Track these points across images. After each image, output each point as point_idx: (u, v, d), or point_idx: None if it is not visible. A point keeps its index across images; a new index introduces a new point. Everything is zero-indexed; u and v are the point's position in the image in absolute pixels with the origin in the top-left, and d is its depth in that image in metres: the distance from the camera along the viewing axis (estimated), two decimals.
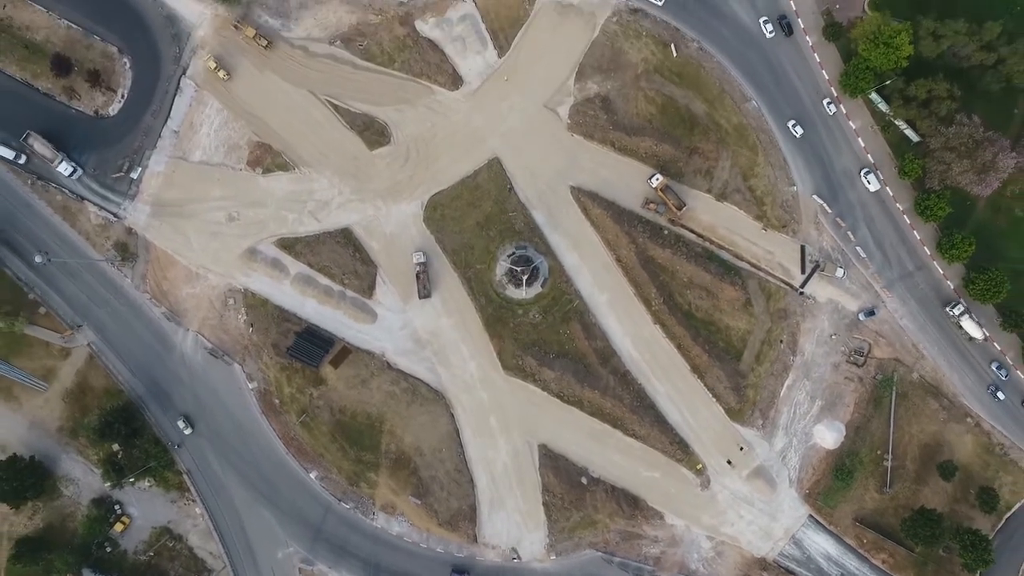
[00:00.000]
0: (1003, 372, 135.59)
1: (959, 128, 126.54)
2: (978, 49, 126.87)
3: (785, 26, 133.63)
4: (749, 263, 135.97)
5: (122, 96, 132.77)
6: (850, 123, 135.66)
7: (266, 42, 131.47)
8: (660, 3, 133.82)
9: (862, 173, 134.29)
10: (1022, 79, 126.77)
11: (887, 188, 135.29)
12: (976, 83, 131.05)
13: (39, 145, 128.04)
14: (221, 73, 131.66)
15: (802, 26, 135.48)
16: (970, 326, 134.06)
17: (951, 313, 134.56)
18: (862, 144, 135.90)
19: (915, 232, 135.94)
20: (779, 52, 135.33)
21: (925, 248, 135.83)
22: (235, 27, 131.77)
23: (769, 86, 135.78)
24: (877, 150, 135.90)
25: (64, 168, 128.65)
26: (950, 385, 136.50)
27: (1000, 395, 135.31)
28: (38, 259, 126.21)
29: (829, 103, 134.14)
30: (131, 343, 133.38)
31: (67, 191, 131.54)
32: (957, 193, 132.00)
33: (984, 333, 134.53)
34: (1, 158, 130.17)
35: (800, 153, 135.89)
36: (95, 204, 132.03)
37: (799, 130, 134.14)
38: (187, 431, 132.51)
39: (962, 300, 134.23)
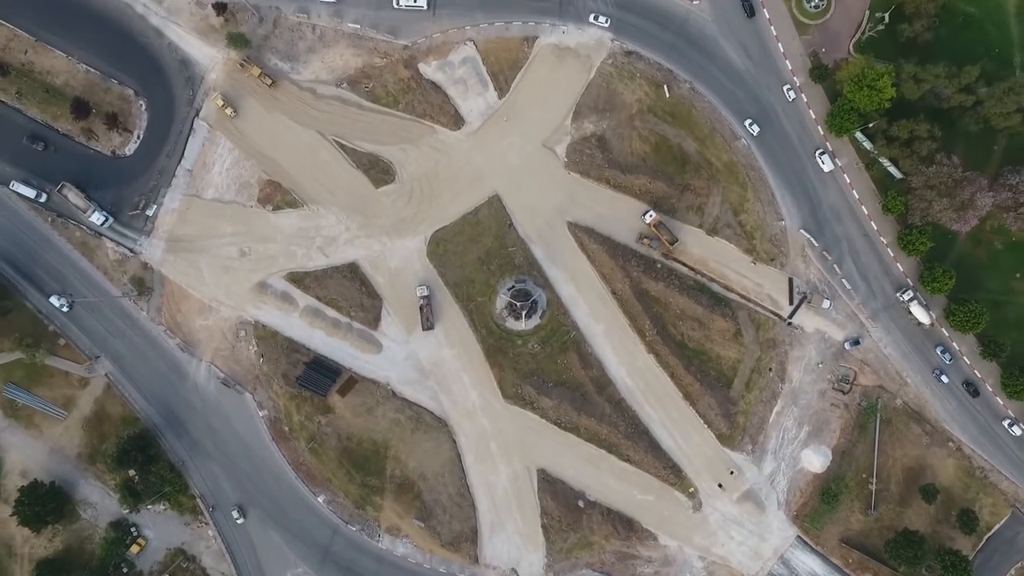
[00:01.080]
0: (947, 356, 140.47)
1: (939, 168, 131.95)
2: (957, 91, 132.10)
3: (748, 8, 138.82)
4: (739, 295, 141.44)
5: (138, 137, 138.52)
6: (836, 160, 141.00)
7: (271, 81, 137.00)
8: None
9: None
10: (999, 121, 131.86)
11: (872, 222, 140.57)
12: (956, 123, 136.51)
13: (73, 195, 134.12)
14: (228, 110, 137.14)
15: (790, 67, 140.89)
16: (918, 311, 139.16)
17: (901, 299, 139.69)
18: (847, 180, 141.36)
19: (898, 265, 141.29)
20: (768, 92, 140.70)
21: (908, 280, 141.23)
22: (241, 65, 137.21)
23: (758, 124, 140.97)
24: (862, 186, 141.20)
25: (97, 218, 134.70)
26: (932, 411, 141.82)
27: (944, 378, 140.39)
28: (62, 301, 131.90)
29: (821, 154, 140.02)
30: (147, 373, 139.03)
31: (85, 228, 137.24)
32: (939, 228, 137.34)
33: (931, 319, 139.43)
34: (23, 196, 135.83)
35: (788, 189, 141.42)
36: (113, 240, 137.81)
37: (755, 128, 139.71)
38: (239, 520, 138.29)
39: (911, 287, 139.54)
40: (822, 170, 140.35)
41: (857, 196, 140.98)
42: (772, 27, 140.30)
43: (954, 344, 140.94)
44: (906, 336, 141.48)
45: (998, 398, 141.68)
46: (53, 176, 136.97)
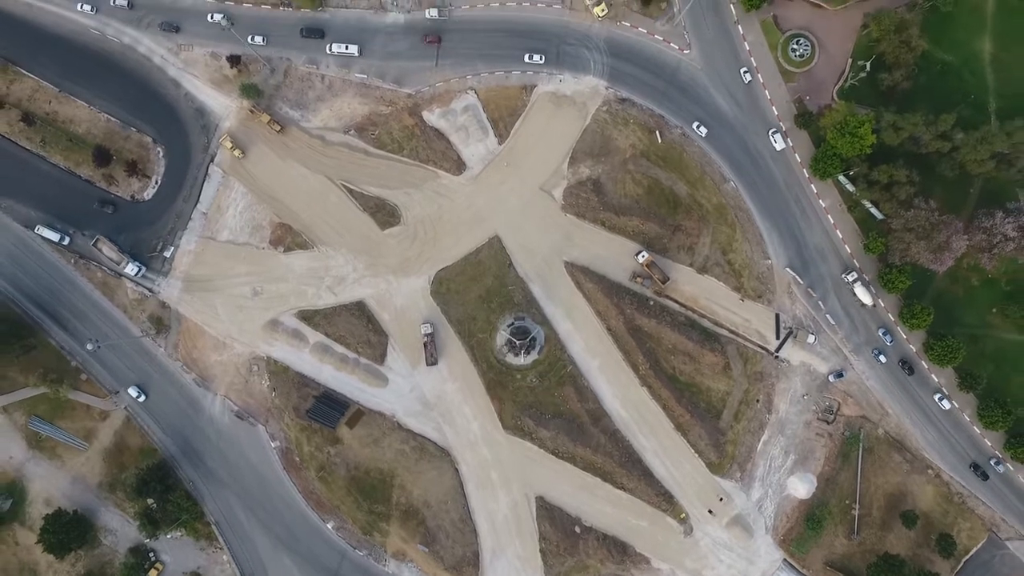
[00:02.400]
0: (888, 337, 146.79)
1: (917, 212, 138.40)
2: (934, 138, 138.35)
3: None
4: (728, 330, 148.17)
5: (156, 182, 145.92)
6: (820, 202, 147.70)
7: (279, 127, 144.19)
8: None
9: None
10: (974, 167, 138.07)
11: (855, 261, 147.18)
12: (935, 167, 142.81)
13: (107, 249, 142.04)
14: (236, 152, 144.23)
15: (776, 112, 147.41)
16: (862, 293, 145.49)
17: (846, 280, 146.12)
18: (831, 221, 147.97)
19: (899, 329, 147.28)
20: (755, 137, 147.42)
21: (889, 315, 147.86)
22: (251, 112, 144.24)
23: (746, 168, 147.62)
24: (845, 227, 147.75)
25: (131, 269, 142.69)
26: (913, 440, 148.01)
27: (882, 358, 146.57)
28: (89, 346, 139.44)
29: (854, 280, 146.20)
30: (164, 406, 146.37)
31: (106, 269, 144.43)
32: (917, 266, 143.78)
33: (874, 300, 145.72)
34: (47, 239, 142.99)
35: (775, 229, 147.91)
36: (132, 280, 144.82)
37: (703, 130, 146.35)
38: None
39: (856, 269, 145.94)
40: (807, 210, 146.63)
41: (840, 236, 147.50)
42: (759, 74, 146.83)
43: (898, 330, 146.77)
44: (887, 369, 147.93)
45: (970, 421, 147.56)
46: (75, 220, 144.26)
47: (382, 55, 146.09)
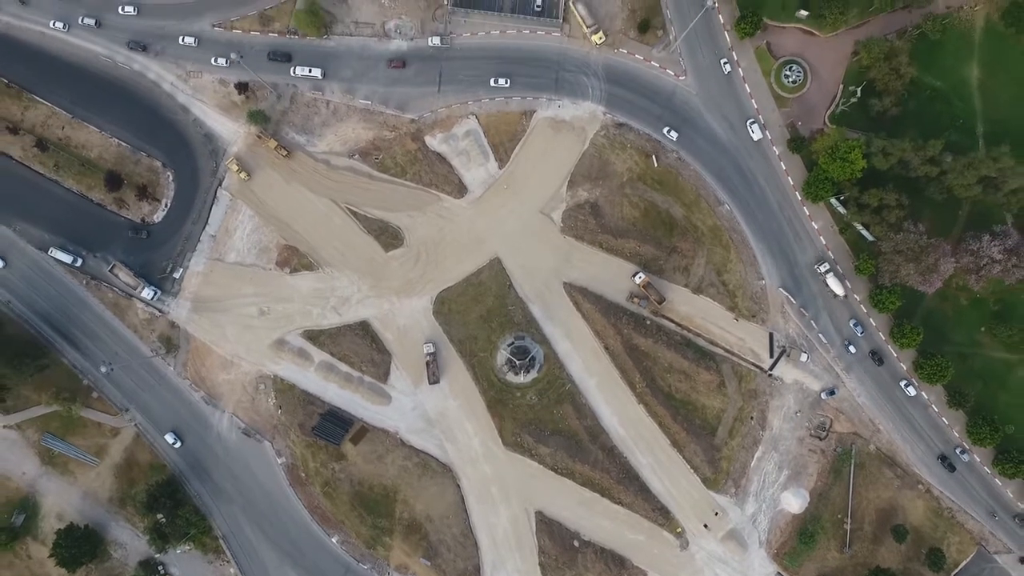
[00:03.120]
0: (859, 328, 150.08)
1: (906, 235, 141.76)
2: (923, 163, 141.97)
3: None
4: (723, 349, 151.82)
5: (166, 205, 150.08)
6: (812, 224, 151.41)
7: (286, 152, 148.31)
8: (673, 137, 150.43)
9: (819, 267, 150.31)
10: (962, 191, 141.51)
11: (846, 281, 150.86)
12: (924, 190, 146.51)
13: (124, 275, 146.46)
14: (242, 175, 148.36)
15: (769, 137, 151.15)
16: (834, 283, 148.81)
17: (818, 271, 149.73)
18: (824, 242, 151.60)
19: (871, 320, 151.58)
20: (749, 161, 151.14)
21: (861, 306, 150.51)
22: (258, 138, 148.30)
23: (741, 191, 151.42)
24: (837, 248, 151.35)
25: (147, 293, 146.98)
26: (903, 456, 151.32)
27: (852, 348, 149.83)
28: (103, 369, 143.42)
29: (826, 271, 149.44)
30: (173, 423, 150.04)
31: (118, 290, 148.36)
32: (908, 286, 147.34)
33: (846, 291, 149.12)
34: (60, 262, 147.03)
35: (768, 250, 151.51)
36: (142, 301, 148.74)
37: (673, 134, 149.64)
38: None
39: (828, 260, 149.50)
40: (799, 232, 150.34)
41: (833, 257, 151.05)
42: (753, 100, 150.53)
43: (870, 320, 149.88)
44: (878, 386, 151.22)
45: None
46: (87, 242, 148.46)
47: (386, 81, 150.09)
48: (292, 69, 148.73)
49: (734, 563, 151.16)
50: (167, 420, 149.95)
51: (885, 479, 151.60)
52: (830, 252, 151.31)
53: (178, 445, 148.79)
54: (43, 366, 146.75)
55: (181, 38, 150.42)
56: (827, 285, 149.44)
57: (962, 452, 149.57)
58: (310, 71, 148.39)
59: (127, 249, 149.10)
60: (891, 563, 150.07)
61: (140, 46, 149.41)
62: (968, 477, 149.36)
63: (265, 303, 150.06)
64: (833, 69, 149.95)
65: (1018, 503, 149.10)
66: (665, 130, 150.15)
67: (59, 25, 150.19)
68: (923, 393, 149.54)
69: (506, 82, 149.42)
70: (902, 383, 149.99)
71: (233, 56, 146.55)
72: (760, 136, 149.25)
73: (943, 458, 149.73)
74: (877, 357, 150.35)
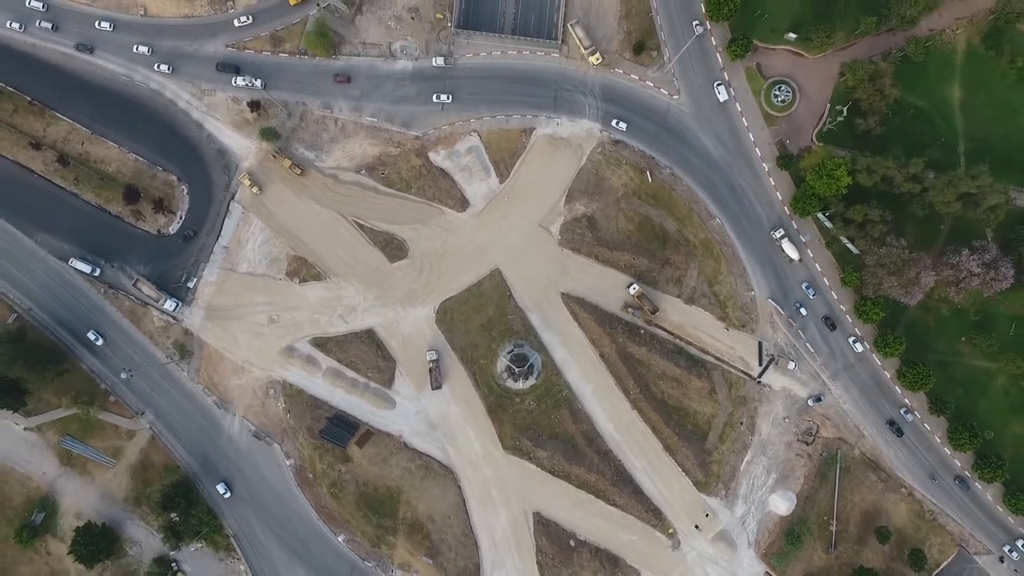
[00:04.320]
0: (811, 291, 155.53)
1: (889, 249, 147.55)
2: (906, 180, 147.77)
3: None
4: (714, 357, 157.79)
5: (181, 218, 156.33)
6: (801, 237, 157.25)
7: (300, 171, 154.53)
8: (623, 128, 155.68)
9: (804, 287, 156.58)
10: (942, 207, 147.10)
11: (832, 292, 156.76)
12: (907, 205, 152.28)
13: (146, 288, 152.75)
14: (254, 189, 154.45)
15: (759, 154, 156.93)
16: (789, 248, 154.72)
17: (774, 237, 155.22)
18: (811, 254, 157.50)
19: (856, 329, 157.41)
20: (740, 177, 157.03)
21: (817, 266, 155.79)
22: (273, 157, 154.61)
23: (731, 206, 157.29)
24: (824, 260, 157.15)
25: (169, 305, 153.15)
26: (887, 460, 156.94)
27: (803, 311, 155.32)
28: (123, 375, 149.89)
29: (781, 236, 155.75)
30: (187, 426, 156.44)
31: (133, 298, 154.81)
32: (891, 298, 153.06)
33: (800, 255, 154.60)
34: (80, 271, 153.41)
35: (758, 263, 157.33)
36: (158, 309, 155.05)
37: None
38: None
39: (783, 225, 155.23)
40: (785, 251, 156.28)
41: (819, 269, 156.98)
42: (743, 118, 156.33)
43: (823, 286, 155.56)
44: (863, 394, 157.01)
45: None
46: (105, 253, 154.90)
47: (391, 100, 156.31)
48: (234, 79, 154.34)
49: (724, 563, 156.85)
50: (182, 423, 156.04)
51: (869, 483, 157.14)
52: (817, 265, 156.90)
53: (228, 495, 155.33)
54: (63, 371, 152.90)
55: (136, 46, 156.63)
56: (783, 250, 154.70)
57: (906, 412, 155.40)
58: (252, 83, 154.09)
59: (145, 260, 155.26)
60: (875, 563, 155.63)
61: (86, 48, 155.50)
62: (913, 438, 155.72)
63: (275, 311, 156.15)
64: (820, 89, 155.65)
65: (956, 461, 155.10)
66: (614, 122, 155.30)
67: (16, 26, 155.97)
68: (869, 352, 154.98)
69: (448, 98, 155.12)
70: (850, 339, 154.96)
71: (245, 81, 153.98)
72: (726, 97, 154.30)
73: (891, 423, 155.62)
74: (829, 322, 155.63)
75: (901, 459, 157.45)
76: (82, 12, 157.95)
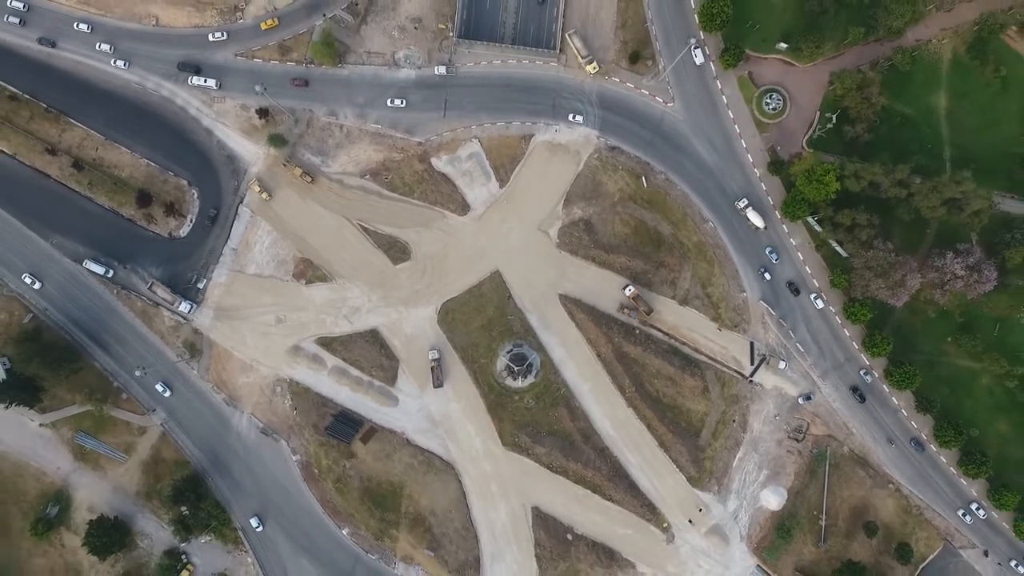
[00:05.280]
0: (774, 255, 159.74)
1: (876, 252, 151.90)
2: (893, 185, 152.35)
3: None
4: (707, 356, 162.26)
5: (191, 221, 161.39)
6: (791, 241, 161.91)
7: (310, 178, 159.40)
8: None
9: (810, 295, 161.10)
10: (928, 212, 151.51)
11: (822, 294, 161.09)
12: (894, 210, 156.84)
13: (161, 291, 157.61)
14: (264, 195, 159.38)
15: (751, 160, 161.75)
16: (754, 216, 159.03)
17: (739, 207, 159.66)
18: (801, 257, 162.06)
19: (845, 331, 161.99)
20: (732, 182, 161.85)
21: (854, 343, 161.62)
22: (284, 165, 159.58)
23: (724, 210, 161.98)
24: (813, 263, 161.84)
25: (184, 307, 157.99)
26: (875, 457, 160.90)
27: (767, 275, 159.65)
28: (138, 373, 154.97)
29: (745, 206, 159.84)
30: (196, 423, 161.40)
31: (145, 299, 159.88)
32: (878, 299, 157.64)
33: (765, 222, 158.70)
34: (94, 273, 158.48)
35: (750, 265, 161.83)
36: (173, 312, 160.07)
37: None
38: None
39: (746, 196, 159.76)
40: (779, 248, 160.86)
41: (809, 271, 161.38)
42: (736, 125, 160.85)
43: (791, 239, 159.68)
44: (852, 392, 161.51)
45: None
46: (118, 255, 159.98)
47: (395, 107, 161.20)
48: (190, 79, 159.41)
49: (717, 556, 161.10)
50: (191, 420, 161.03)
51: (858, 478, 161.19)
52: (807, 267, 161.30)
53: (260, 528, 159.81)
54: (77, 369, 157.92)
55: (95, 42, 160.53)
56: (747, 219, 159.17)
57: (866, 374, 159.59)
58: (206, 81, 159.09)
59: (156, 261, 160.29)
60: (863, 557, 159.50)
61: (48, 42, 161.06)
62: (874, 403, 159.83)
63: (282, 312, 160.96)
64: (810, 97, 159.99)
65: (912, 423, 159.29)
66: (570, 116, 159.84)
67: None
68: (829, 306, 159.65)
69: (402, 102, 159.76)
70: (812, 296, 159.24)
71: (258, 88, 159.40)
72: (702, 60, 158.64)
73: (855, 389, 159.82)
74: (794, 288, 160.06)
75: (889, 456, 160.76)
76: (104, 23, 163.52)
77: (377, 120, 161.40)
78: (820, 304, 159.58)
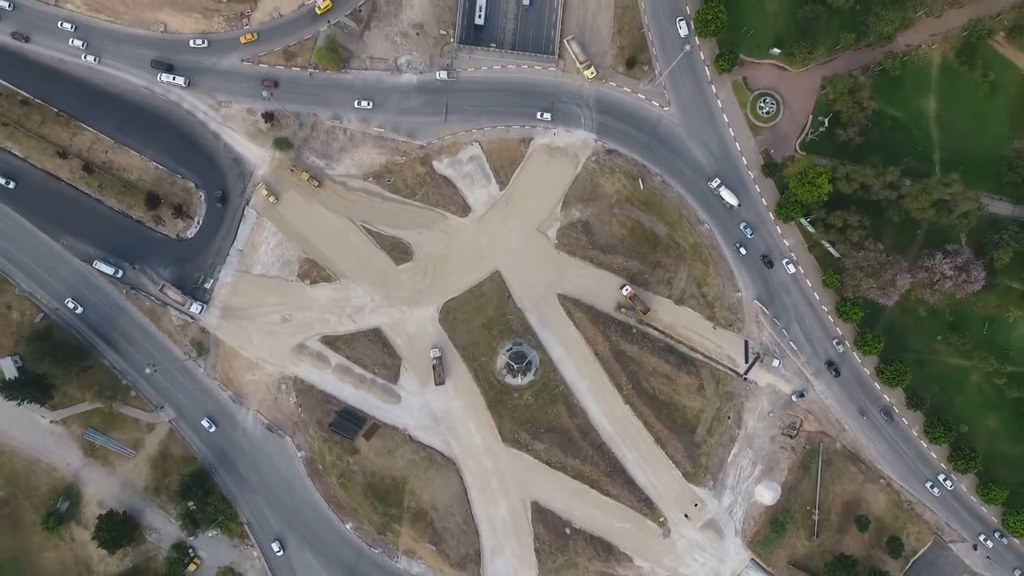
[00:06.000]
0: (748, 230, 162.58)
1: (867, 253, 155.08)
2: (883, 187, 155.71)
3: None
4: (702, 355, 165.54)
5: (198, 223, 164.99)
6: (784, 241, 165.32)
7: (317, 183, 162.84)
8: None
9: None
10: (917, 213, 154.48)
11: (815, 294, 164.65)
12: (885, 211, 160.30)
13: (172, 293, 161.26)
14: (271, 198, 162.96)
15: (745, 162, 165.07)
16: (727, 195, 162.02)
17: (712, 187, 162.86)
18: (794, 257, 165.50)
19: (837, 328, 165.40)
20: (727, 184, 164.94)
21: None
22: (291, 171, 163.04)
23: (719, 211, 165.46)
24: (806, 263, 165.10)
25: (195, 308, 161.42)
26: (867, 453, 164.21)
27: (742, 250, 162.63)
28: (148, 370, 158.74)
29: (718, 185, 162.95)
30: (203, 419, 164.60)
31: (153, 298, 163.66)
32: (870, 299, 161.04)
33: (738, 201, 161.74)
34: (103, 273, 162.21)
35: (744, 265, 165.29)
36: (185, 313, 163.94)
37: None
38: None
39: (719, 175, 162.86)
40: (773, 249, 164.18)
41: (802, 271, 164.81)
42: (730, 129, 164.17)
43: (763, 225, 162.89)
44: (844, 390, 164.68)
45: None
46: (127, 256, 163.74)
47: (397, 111, 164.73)
48: (159, 76, 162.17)
49: (712, 550, 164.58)
50: (199, 415, 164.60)
51: (850, 474, 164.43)
52: (800, 268, 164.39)
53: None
54: (86, 367, 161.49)
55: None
56: (721, 198, 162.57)
57: (838, 343, 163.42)
58: (174, 79, 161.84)
59: (164, 262, 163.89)
60: (855, 550, 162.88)
61: (21, 36, 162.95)
62: (848, 377, 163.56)
63: (287, 311, 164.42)
64: (803, 101, 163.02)
65: (886, 396, 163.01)
66: (538, 114, 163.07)
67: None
68: (799, 267, 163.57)
69: (369, 104, 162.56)
70: (784, 262, 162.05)
71: (265, 94, 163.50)
72: (687, 32, 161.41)
73: (830, 363, 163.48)
74: (767, 260, 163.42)
75: (880, 451, 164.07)
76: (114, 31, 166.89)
77: (380, 124, 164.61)
78: (792, 269, 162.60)
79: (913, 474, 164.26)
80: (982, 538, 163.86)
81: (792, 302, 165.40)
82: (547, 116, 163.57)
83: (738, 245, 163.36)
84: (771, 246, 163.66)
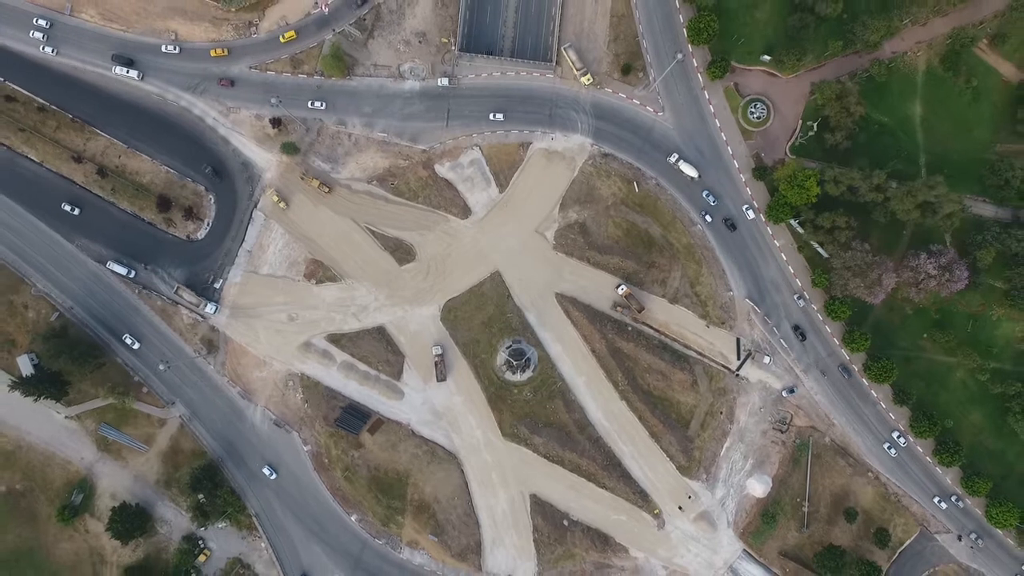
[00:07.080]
0: (712, 199, 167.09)
1: (854, 253, 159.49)
2: (870, 190, 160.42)
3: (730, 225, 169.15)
4: (695, 352, 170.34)
5: (208, 224, 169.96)
6: (775, 242, 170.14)
7: (327, 189, 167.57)
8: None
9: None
10: (903, 215, 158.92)
11: (804, 293, 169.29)
12: (872, 213, 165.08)
13: (187, 294, 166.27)
14: (281, 204, 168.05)
15: (737, 166, 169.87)
16: (687, 168, 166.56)
17: (670, 161, 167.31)
18: (784, 258, 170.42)
19: (826, 326, 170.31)
20: (719, 187, 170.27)
21: (835, 339, 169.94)
22: (301, 178, 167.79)
23: (712, 213, 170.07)
24: (796, 263, 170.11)
25: (209, 309, 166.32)
26: (855, 447, 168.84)
27: (708, 217, 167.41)
28: (161, 367, 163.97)
29: (677, 160, 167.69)
30: (213, 415, 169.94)
31: (165, 297, 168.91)
32: (857, 298, 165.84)
33: (698, 174, 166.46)
34: (116, 273, 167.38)
35: (736, 265, 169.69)
36: (198, 314, 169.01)
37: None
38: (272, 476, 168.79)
39: (678, 151, 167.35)
40: (763, 249, 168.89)
41: (792, 271, 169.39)
42: (722, 133, 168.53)
43: (725, 195, 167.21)
44: (833, 386, 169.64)
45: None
46: (140, 257, 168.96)
47: (400, 116, 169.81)
48: (114, 68, 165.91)
49: (705, 540, 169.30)
50: (208, 412, 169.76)
51: (839, 467, 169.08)
52: (790, 267, 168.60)
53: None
54: (100, 364, 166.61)
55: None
56: (681, 171, 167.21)
57: (799, 298, 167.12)
58: (128, 72, 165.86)
59: (175, 262, 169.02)
60: (843, 541, 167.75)
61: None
62: (814, 342, 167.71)
63: (294, 310, 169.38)
64: (793, 106, 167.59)
65: (845, 353, 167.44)
66: (491, 115, 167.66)
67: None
68: (760, 215, 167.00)
69: (500, 116, 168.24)
70: (745, 208, 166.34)
71: (273, 101, 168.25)
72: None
73: (796, 327, 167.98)
74: (730, 223, 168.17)
75: (868, 445, 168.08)
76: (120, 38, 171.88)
77: (384, 129, 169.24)
78: (752, 214, 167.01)
79: (900, 468, 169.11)
80: (886, 446, 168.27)
81: (782, 300, 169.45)
82: (499, 116, 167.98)
83: (703, 213, 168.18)
84: (732, 210, 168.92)
